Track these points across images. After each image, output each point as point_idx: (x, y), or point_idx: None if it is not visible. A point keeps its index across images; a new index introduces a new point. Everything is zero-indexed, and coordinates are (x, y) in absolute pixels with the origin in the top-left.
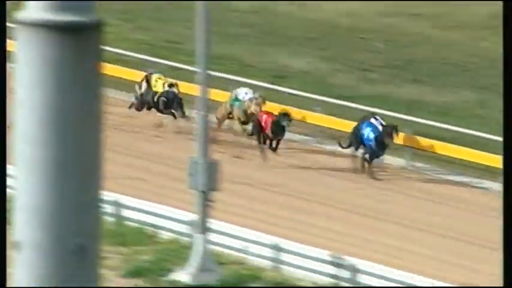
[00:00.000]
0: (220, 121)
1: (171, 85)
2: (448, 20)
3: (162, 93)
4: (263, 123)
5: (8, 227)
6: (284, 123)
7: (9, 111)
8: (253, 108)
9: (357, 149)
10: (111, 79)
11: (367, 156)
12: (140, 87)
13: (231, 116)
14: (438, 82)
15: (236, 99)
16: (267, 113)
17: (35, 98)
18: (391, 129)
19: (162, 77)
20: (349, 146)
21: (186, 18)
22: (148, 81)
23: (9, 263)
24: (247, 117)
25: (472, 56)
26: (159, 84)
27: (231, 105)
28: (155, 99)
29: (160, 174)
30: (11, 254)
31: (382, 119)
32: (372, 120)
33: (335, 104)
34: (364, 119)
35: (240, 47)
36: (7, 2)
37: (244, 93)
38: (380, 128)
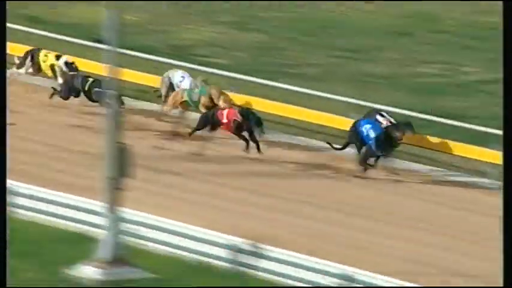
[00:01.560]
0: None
1: (68, 63)
2: None
3: (94, 81)
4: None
5: (8, 226)
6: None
7: (9, 111)
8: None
9: (359, 150)
10: None
11: (362, 156)
12: (22, 64)
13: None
14: None
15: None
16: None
17: None
18: (398, 127)
19: (51, 52)
20: (345, 147)
21: None
22: (33, 57)
23: (9, 263)
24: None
25: None
26: (50, 60)
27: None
28: (86, 86)
29: None
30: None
31: (390, 116)
32: (378, 117)
33: None
34: (366, 115)
35: None
36: (7, 2)
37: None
38: (384, 125)
